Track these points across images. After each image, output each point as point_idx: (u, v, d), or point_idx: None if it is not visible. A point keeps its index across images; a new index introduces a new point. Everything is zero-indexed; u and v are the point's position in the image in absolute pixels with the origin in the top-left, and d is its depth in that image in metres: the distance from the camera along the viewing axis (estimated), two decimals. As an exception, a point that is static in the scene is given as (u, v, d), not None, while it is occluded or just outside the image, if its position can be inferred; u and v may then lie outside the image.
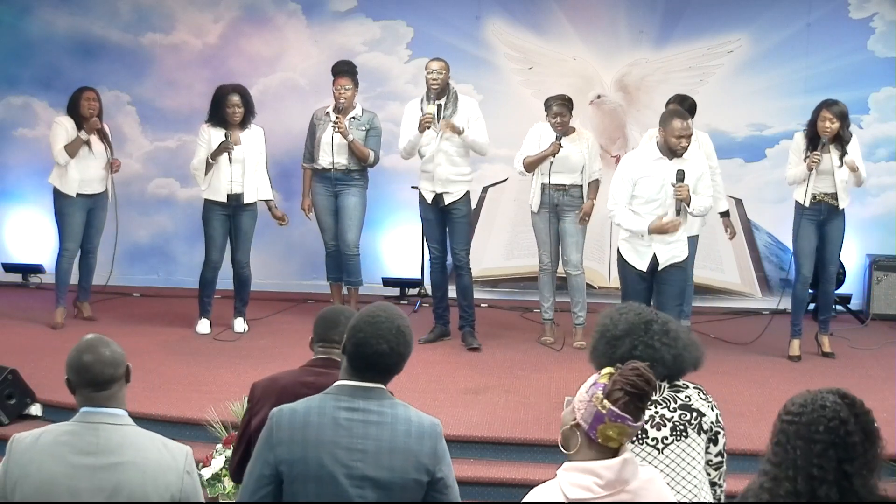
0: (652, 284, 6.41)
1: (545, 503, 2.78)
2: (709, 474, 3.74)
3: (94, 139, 7.65)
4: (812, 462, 2.50)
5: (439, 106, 7.22)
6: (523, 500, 2.84)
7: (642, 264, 6.36)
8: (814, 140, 7.05)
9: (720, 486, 3.78)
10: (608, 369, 2.86)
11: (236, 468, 3.76)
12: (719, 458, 3.75)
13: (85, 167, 7.60)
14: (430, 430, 3.08)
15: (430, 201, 7.40)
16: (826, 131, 6.96)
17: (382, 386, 3.11)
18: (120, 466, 2.99)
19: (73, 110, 7.63)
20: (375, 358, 3.07)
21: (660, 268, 6.35)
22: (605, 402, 2.77)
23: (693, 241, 7.50)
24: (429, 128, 7.17)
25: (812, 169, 6.98)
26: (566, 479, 2.78)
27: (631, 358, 3.66)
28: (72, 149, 7.54)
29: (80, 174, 7.61)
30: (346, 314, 3.66)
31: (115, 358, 3.10)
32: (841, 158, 7.04)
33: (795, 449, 2.52)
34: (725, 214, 7.64)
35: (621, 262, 6.49)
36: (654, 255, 6.34)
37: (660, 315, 3.81)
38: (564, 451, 2.87)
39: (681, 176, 6.23)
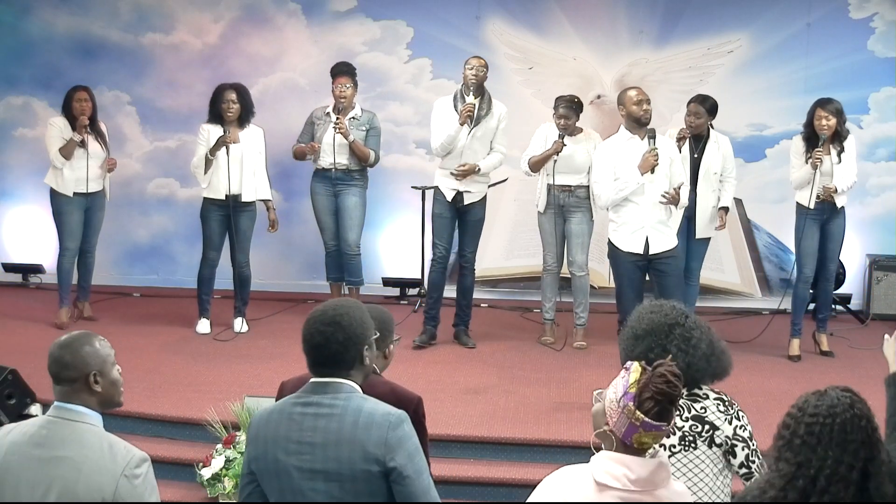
0: (645, 274, 6.40)
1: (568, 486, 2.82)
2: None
3: (90, 138, 7.64)
4: (842, 462, 2.51)
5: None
6: (550, 476, 2.87)
7: (637, 247, 6.34)
8: (811, 140, 7.06)
9: None
10: (635, 373, 2.84)
11: None
12: (745, 470, 3.61)
13: (80, 166, 7.59)
14: (380, 420, 3.01)
15: (449, 199, 7.36)
16: (824, 129, 6.97)
17: (340, 379, 3.08)
18: (58, 461, 2.96)
19: (67, 110, 7.63)
20: (314, 352, 3.10)
21: (651, 252, 6.34)
22: (638, 413, 2.77)
23: (704, 243, 7.49)
24: (470, 119, 7.14)
25: (816, 167, 6.98)
26: (600, 465, 2.81)
27: (646, 360, 3.64)
28: (66, 151, 7.53)
29: (76, 173, 7.60)
30: None
31: (66, 361, 3.01)
32: (840, 155, 7.05)
33: (827, 449, 2.51)
34: (724, 210, 7.61)
35: (613, 252, 6.48)
36: (647, 238, 6.34)
37: (689, 319, 3.67)
38: (595, 451, 2.90)
39: (652, 134, 6.30)
